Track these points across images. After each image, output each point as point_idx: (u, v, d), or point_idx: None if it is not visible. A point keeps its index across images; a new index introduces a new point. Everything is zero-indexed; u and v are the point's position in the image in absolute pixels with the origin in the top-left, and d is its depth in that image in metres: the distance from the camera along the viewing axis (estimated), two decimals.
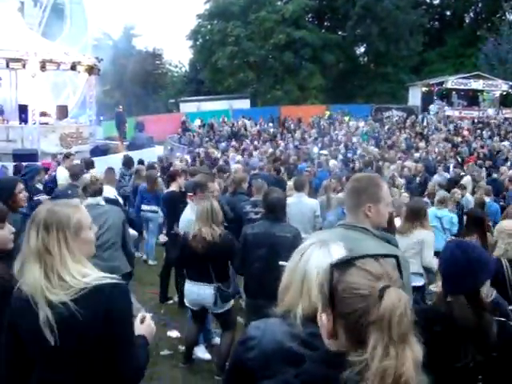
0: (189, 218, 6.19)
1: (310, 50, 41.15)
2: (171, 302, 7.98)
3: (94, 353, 2.36)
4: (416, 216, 6.33)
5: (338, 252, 2.15)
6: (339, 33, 46.33)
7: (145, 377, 2.58)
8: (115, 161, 14.21)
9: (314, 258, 2.20)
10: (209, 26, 44.45)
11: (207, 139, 25.67)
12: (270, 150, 20.24)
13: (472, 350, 2.39)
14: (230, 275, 5.66)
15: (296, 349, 2.10)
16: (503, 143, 23.67)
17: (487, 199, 10.62)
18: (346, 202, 3.17)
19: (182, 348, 6.16)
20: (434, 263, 6.14)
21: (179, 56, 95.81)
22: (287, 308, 2.19)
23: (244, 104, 35.85)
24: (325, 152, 19.73)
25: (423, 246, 6.19)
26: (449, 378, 2.42)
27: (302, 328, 2.11)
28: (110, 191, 7.96)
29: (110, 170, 9.75)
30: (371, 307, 1.46)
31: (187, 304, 5.80)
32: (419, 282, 6.09)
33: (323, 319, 1.59)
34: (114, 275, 2.48)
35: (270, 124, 29.47)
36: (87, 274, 2.40)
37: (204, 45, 44.02)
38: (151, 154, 18.34)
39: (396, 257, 1.66)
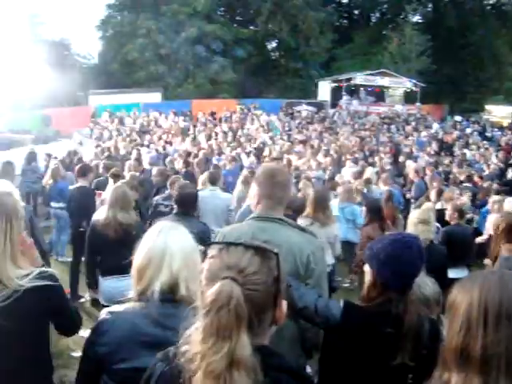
0: None
1: (222, 43, 41.12)
2: (83, 300, 7.73)
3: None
4: (322, 206, 6.46)
5: (186, 233, 2.39)
6: (251, 27, 46.56)
7: (56, 381, 2.53)
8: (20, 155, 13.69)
9: (171, 236, 2.34)
10: (119, 17, 43.40)
11: (117, 133, 25.09)
12: (182, 144, 20.10)
13: (409, 348, 2.39)
14: None
15: (151, 331, 2.16)
16: (410, 138, 24.76)
17: (390, 187, 11.08)
18: (268, 194, 3.05)
19: None
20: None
21: (88, 47, 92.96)
22: (145, 286, 2.24)
23: (155, 97, 35.28)
24: (237, 145, 19.87)
25: (337, 239, 6.36)
26: (382, 377, 2.42)
27: (157, 306, 2.17)
28: (5, 185, 7.62)
29: (8, 163, 9.32)
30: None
31: (102, 302, 5.42)
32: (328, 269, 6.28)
33: (283, 306, 1.63)
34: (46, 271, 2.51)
35: (182, 118, 29.21)
36: (20, 275, 2.37)
37: (114, 36, 42.93)
38: (59, 149, 17.76)
39: (276, 254, 1.60)
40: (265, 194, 3.06)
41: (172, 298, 2.23)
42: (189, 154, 16.23)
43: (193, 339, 1.52)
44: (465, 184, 13.14)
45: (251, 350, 1.47)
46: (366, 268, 2.61)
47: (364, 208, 7.39)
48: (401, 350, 2.38)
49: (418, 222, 5.07)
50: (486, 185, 12.82)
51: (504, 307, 1.51)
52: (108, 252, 5.29)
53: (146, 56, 39.46)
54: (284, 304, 1.61)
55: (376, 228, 6.73)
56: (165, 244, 2.31)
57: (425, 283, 2.98)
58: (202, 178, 9.32)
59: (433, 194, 9.37)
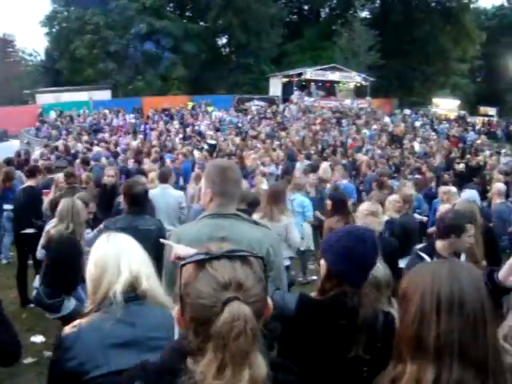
0: None
1: (172, 39, 40.72)
2: (33, 305, 7.55)
3: None
4: (277, 200, 6.48)
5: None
6: (201, 23, 46.31)
7: None
8: None
9: (120, 239, 2.42)
10: (65, 13, 42.39)
11: (66, 132, 24.55)
12: (133, 142, 19.84)
13: (363, 341, 2.38)
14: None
15: (120, 332, 2.15)
16: (364, 131, 25.12)
17: (344, 181, 11.38)
18: (221, 191, 3.00)
19: (48, 353, 5.61)
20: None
21: (34, 44, 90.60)
22: (104, 293, 2.24)
23: (105, 95, 34.72)
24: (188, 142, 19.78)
25: (288, 229, 6.36)
26: (337, 370, 2.42)
27: (121, 307, 2.16)
28: None
29: None
30: (212, 319, 1.36)
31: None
32: (285, 262, 6.29)
33: (175, 312, 1.51)
34: None
35: (132, 115, 28.83)
36: None
37: (61, 32, 41.95)
38: (6, 149, 17.29)
39: (262, 258, 1.52)
40: (218, 191, 3.00)
41: (135, 295, 2.26)
42: (140, 151, 16.04)
43: (205, 374, 1.35)
44: (414, 175, 13.43)
45: (266, 368, 1.40)
46: (321, 261, 2.59)
47: (328, 201, 7.41)
48: (355, 342, 2.38)
49: (366, 214, 5.15)
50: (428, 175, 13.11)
51: (456, 296, 1.54)
52: None
53: (94, 53, 38.78)
54: (269, 301, 1.55)
55: (339, 220, 6.75)
56: (117, 247, 2.37)
57: (376, 266, 3.01)
58: (152, 175, 9.23)
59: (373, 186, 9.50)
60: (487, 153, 20.26)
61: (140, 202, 5.26)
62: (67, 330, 2.21)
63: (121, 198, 7.57)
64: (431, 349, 1.53)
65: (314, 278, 8.41)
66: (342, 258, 2.45)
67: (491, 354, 1.54)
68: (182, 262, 1.47)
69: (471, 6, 52.93)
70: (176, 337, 2.20)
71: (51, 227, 5.31)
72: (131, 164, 13.25)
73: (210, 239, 2.65)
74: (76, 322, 2.24)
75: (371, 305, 2.47)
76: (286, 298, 2.61)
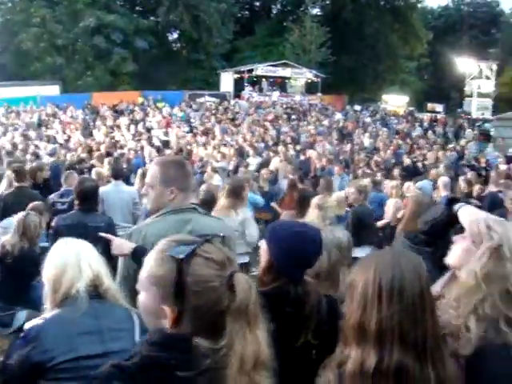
0: None
1: (122, 34, 39.99)
2: None
3: None
4: (237, 195, 6.47)
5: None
6: (151, 18, 45.73)
7: None
8: None
9: (77, 242, 2.51)
10: (9, 4, 41.09)
11: (12, 128, 23.85)
12: (83, 139, 19.48)
13: (312, 327, 2.43)
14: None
15: (86, 321, 2.21)
16: (309, 127, 25.36)
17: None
18: (182, 186, 3.04)
19: None
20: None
21: None
22: (65, 291, 2.30)
23: (53, 90, 33.88)
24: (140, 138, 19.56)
25: (245, 224, 6.36)
26: (286, 358, 2.35)
27: (85, 303, 2.22)
28: None
29: None
30: (222, 297, 1.46)
31: None
32: (245, 259, 6.32)
33: (166, 312, 1.50)
34: None
35: (82, 111, 28.26)
36: None
37: (5, 24, 40.57)
38: None
39: (223, 237, 1.70)
40: (181, 187, 3.05)
41: (97, 293, 2.35)
42: (90, 148, 15.77)
43: (230, 345, 1.46)
44: (364, 170, 13.64)
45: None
46: (263, 247, 2.61)
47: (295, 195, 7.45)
48: (304, 329, 2.43)
49: (314, 208, 5.25)
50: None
51: (396, 284, 1.61)
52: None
53: (41, 47, 37.66)
54: None
55: (297, 215, 6.77)
56: (76, 249, 2.47)
57: (338, 229, 3.12)
58: (102, 172, 9.10)
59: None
60: (435, 147, 20.77)
61: (90, 199, 5.23)
62: (30, 324, 2.22)
63: (54, 195, 7.48)
64: (373, 334, 1.61)
65: None
66: (289, 255, 2.48)
67: (430, 337, 1.63)
68: (182, 257, 1.49)
69: (418, 5, 54.25)
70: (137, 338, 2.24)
71: (6, 240, 5.19)
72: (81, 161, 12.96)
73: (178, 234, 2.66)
74: (39, 317, 2.29)
75: (315, 291, 2.53)
76: None
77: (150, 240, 2.74)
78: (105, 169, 9.52)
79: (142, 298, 1.56)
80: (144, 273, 1.55)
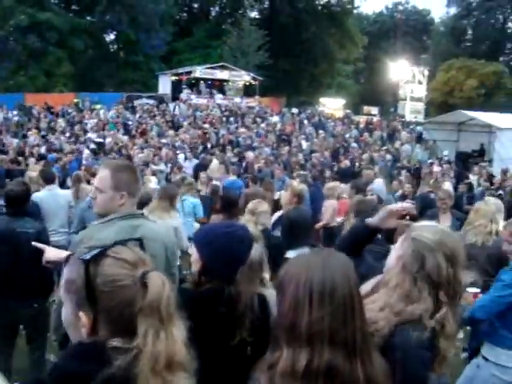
0: None
1: (57, 33, 38.74)
2: None
3: None
4: (171, 200, 6.45)
5: None
6: (88, 18, 44.71)
7: None
8: None
9: None
10: None
11: None
12: (15, 141, 18.86)
13: (247, 325, 2.48)
14: None
15: None
16: (249, 130, 25.46)
17: (233, 177, 11.78)
18: (131, 191, 3.01)
19: None
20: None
21: None
22: None
23: None
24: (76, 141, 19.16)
25: (177, 231, 6.33)
26: (223, 356, 2.49)
27: None
28: None
29: None
30: (136, 296, 1.45)
31: None
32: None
33: (82, 319, 1.51)
34: None
35: (15, 112, 27.29)
36: None
37: None
38: None
39: (139, 239, 1.68)
40: (132, 192, 3.03)
41: None
42: (22, 151, 15.29)
43: (142, 345, 1.45)
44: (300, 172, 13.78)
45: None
46: (195, 255, 2.65)
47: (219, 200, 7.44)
48: (239, 327, 2.48)
49: (247, 213, 5.33)
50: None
51: (327, 286, 1.65)
52: None
53: None
54: None
55: (222, 219, 6.79)
56: None
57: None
58: (34, 176, 8.85)
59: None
60: (371, 149, 21.27)
61: (19, 204, 5.07)
62: None
63: None
64: (304, 335, 1.62)
65: None
66: (218, 256, 2.53)
67: (359, 336, 1.67)
68: (86, 258, 1.50)
69: (354, 11, 55.45)
70: None
71: None
72: (10, 164, 12.52)
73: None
74: None
75: (247, 290, 2.57)
76: None
77: (98, 246, 2.69)
78: (34, 173, 9.24)
79: (63, 310, 1.57)
80: (61, 282, 1.57)
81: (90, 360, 1.45)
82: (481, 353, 3.95)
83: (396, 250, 2.29)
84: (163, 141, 19.82)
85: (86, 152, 16.31)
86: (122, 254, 1.52)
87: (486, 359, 3.86)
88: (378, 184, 8.89)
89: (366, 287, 2.37)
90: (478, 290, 4.29)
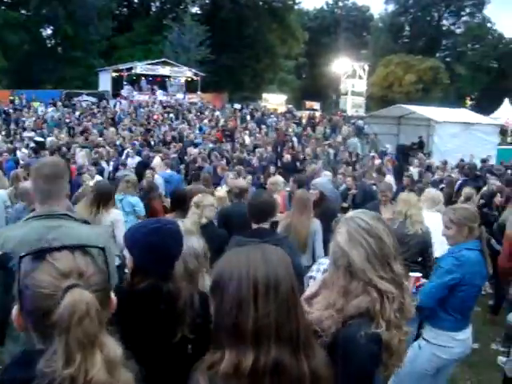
0: None
1: None
2: None
3: None
4: (105, 199, 6.32)
5: None
6: (22, 11, 43.33)
7: None
8: None
9: None
10: None
11: None
12: None
13: (188, 321, 2.47)
14: None
15: None
16: (192, 126, 25.35)
17: (168, 171, 12.18)
18: (43, 189, 2.89)
19: None
20: None
21: None
22: None
23: None
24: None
25: (115, 226, 6.20)
26: (163, 354, 2.47)
27: None
28: None
29: None
30: (53, 308, 1.35)
31: None
32: (116, 262, 6.16)
33: (13, 312, 1.46)
34: None
35: None
36: None
37: None
38: None
39: (102, 248, 1.58)
40: (42, 190, 2.90)
41: None
42: None
43: (52, 365, 1.33)
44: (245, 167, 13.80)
45: (120, 349, 1.47)
46: (127, 254, 2.64)
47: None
48: (180, 324, 2.47)
49: (193, 206, 5.33)
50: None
51: (271, 280, 1.63)
52: None
53: None
54: (113, 296, 1.60)
55: (176, 216, 6.72)
56: None
57: (192, 239, 3.10)
58: None
59: None
60: (313, 144, 21.48)
61: None
62: None
63: None
64: (249, 334, 1.58)
65: None
66: (148, 253, 2.53)
67: (302, 330, 1.67)
68: (22, 254, 1.44)
69: (295, 7, 55.79)
70: None
71: None
72: None
73: (38, 241, 2.43)
74: None
75: (186, 286, 2.58)
76: None
77: (8, 246, 2.62)
78: None
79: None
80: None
81: (25, 367, 1.39)
82: (422, 335, 4.13)
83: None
84: (103, 138, 19.44)
85: (24, 151, 15.80)
86: (56, 261, 1.42)
87: (427, 341, 4.05)
88: (323, 178, 8.97)
89: (311, 288, 2.39)
90: (420, 275, 4.54)
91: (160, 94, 35.41)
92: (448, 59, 57.24)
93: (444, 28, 61.29)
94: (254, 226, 4.26)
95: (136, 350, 2.47)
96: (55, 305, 1.35)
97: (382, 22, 63.92)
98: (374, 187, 10.32)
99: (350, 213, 2.41)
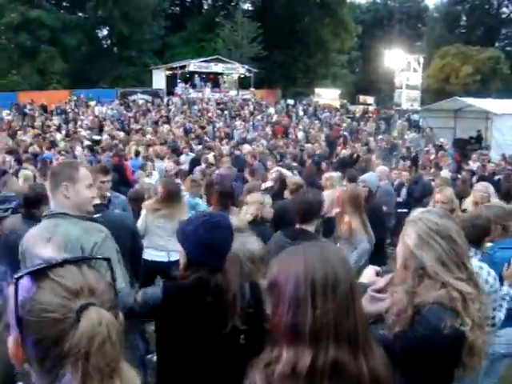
0: None
1: (49, 31, 38.73)
2: None
3: None
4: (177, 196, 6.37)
5: None
6: (80, 14, 44.58)
7: None
8: None
9: None
10: None
11: None
12: (10, 142, 18.70)
13: (238, 312, 2.48)
14: None
15: None
16: (245, 122, 25.42)
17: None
18: (51, 189, 3.05)
19: None
20: None
21: None
22: None
23: None
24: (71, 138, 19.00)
25: None
26: (214, 346, 2.50)
27: None
28: None
29: None
30: (66, 334, 1.16)
31: None
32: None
33: (9, 342, 1.24)
34: None
35: (7, 111, 27.10)
36: None
37: None
38: None
39: (108, 259, 1.38)
40: (49, 190, 3.08)
41: None
42: (13, 150, 15.09)
43: None
44: (294, 164, 13.70)
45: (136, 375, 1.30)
46: (180, 248, 2.67)
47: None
48: (230, 316, 2.48)
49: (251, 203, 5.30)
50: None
51: (329, 279, 1.59)
52: None
53: None
54: (121, 314, 1.36)
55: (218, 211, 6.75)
56: None
57: (250, 240, 3.07)
58: (30, 174, 8.76)
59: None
60: (370, 139, 21.26)
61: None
62: None
63: None
64: (307, 334, 1.55)
65: None
66: (200, 247, 2.56)
67: (361, 328, 1.62)
68: (16, 275, 1.21)
69: (347, 0, 55.14)
70: None
71: None
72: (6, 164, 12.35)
73: (40, 240, 2.70)
74: None
75: (235, 278, 2.58)
76: (149, 291, 2.70)
77: (22, 245, 2.85)
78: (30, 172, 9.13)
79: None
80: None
81: None
82: None
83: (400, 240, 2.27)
84: (157, 136, 19.70)
85: (79, 149, 16.15)
86: (63, 278, 1.21)
87: None
88: (371, 174, 8.81)
89: (379, 283, 2.34)
90: None
91: (209, 92, 35.71)
92: (508, 48, 55.36)
93: (504, 16, 59.21)
94: (298, 225, 4.22)
95: (187, 341, 2.52)
96: (68, 330, 1.16)
97: (438, 12, 62.42)
98: (432, 182, 10.13)
99: (416, 213, 2.34)
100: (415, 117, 28.31)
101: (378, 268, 2.32)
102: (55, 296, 1.18)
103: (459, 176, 11.88)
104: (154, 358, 2.84)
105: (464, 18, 60.24)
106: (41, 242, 2.67)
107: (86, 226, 2.97)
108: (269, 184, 8.66)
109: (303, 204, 4.25)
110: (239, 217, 5.16)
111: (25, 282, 1.21)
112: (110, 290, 1.28)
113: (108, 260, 1.37)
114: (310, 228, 4.23)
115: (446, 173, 12.14)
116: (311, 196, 4.38)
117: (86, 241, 2.88)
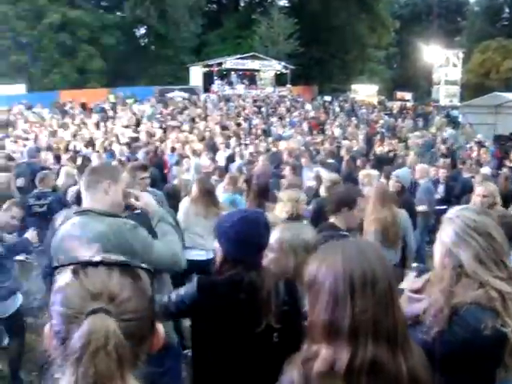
0: None
1: (88, 31, 39.45)
2: None
3: None
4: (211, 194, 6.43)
5: None
6: (118, 13, 45.22)
7: None
8: None
9: None
10: None
11: None
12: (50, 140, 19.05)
13: (272, 310, 2.48)
14: None
15: None
16: (282, 119, 25.38)
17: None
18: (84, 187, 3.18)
19: None
20: None
21: None
22: None
23: (19, 89, 33.20)
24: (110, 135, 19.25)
25: None
26: (247, 343, 2.50)
27: None
28: None
29: None
30: (72, 333, 1.17)
31: None
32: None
33: (45, 328, 1.27)
34: None
35: (48, 110, 27.60)
36: None
37: None
38: None
39: (149, 270, 1.35)
40: (88, 185, 3.16)
41: None
42: (55, 147, 15.41)
43: None
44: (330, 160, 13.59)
45: None
46: (216, 245, 2.69)
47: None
48: (265, 314, 2.47)
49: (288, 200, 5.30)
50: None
51: (368, 276, 1.59)
52: None
53: (4, 44, 36.89)
54: (160, 328, 1.36)
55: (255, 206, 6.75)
56: None
57: (305, 230, 3.12)
58: (72, 171, 8.94)
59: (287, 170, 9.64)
60: (409, 135, 20.99)
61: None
62: None
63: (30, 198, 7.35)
64: (346, 331, 1.56)
65: None
66: (236, 243, 2.57)
67: (400, 326, 1.62)
68: (56, 265, 1.28)
69: None
70: None
71: None
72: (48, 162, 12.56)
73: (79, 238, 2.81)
74: None
75: (270, 276, 2.58)
76: (182, 290, 2.71)
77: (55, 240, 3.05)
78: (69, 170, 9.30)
79: None
80: None
81: None
82: None
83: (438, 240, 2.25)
84: (195, 132, 19.81)
85: (117, 146, 16.35)
86: (88, 279, 1.22)
87: None
88: (404, 170, 8.69)
89: (416, 284, 2.33)
90: None
91: (242, 88, 35.75)
92: None
93: None
94: (333, 218, 4.22)
95: (221, 338, 2.53)
96: (74, 330, 1.17)
97: (479, 6, 60.98)
98: (472, 179, 9.95)
99: (453, 210, 2.30)
100: (454, 113, 27.82)
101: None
102: (76, 295, 1.20)
103: (499, 172, 11.65)
104: (189, 354, 2.86)
105: (507, 11, 58.77)
106: (81, 241, 2.74)
107: (108, 222, 2.99)
108: (311, 183, 8.66)
109: (337, 194, 4.24)
110: (274, 213, 5.18)
111: (64, 274, 1.25)
112: (138, 301, 1.25)
113: (150, 271, 1.34)
114: (342, 222, 4.19)
115: (486, 169, 11.93)
116: (346, 187, 4.38)
117: (110, 235, 2.89)
